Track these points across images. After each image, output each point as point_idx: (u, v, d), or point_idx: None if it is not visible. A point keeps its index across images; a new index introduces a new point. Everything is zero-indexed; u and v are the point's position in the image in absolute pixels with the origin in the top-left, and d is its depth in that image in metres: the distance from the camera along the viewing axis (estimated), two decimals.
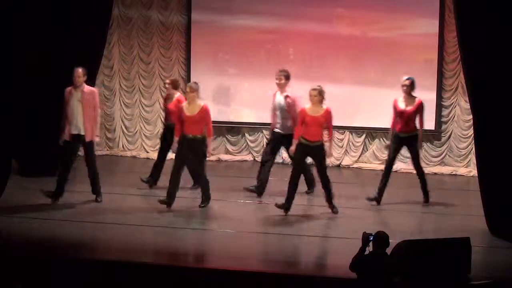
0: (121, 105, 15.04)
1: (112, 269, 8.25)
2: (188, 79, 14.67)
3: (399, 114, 11.07)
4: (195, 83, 10.92)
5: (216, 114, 14.60)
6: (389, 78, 13.52)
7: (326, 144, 10.62)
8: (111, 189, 11.86)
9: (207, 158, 11.04)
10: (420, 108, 11.06)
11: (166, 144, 11.66)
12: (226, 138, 14.81)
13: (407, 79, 11.12)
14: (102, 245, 9.27)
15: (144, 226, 10.00)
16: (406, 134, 11.06)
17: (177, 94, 11.77)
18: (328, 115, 10.43)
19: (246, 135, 14.48)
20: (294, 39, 14.24)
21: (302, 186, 10.95)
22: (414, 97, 11.09)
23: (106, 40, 13.41)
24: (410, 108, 11.02)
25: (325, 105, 10.46)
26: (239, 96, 13.62)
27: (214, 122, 14.57)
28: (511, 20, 9.19)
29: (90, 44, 12.51)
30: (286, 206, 10.46)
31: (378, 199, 11.16)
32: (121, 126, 15.01)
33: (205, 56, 14.60)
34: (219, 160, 14.66)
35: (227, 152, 14.78)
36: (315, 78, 13.92)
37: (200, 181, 11.01)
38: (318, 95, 10.36)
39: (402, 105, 11.06)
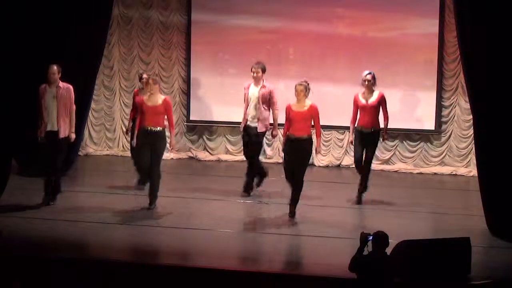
0: (121, 105, 15.03)
1: (112, 269, 8.25)
2: (188, 79, 14.68)
3: (361, 109, 11.04)
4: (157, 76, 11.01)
5: (216, 114, 14.67)
6: (389, 78, 13.50)
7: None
8: (112, 189, 11.88)
9: (170, 152, 10.95)
10: (382, 100, 11.03)
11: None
12: (226, 138, 14.81)
13: (369, 73, 11.08)
14: (102, 245, 9.27)
15: (145, 226, 10.00)
16: (368, 130, 11.04)
17: None
18: (313, 110, 10.31)
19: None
20: (294, 39, 14.23)
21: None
22: (374, 91, 11.06)
23: (106, 40, 13.41)
24: (372, 101, 11.00)
25: (311, 101, 10.37)
26: (239, 96, 13.56)
27: (214, 122, 14.78)
28: (511, 20, 9.19)
29: (90, 44, 12.51)
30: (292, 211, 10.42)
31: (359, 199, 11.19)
32: (121, 126, 14.99)
33: (205, 56, 14.59)
34: (219, 160, 14.66)
35: (227, 152, 14.77)
36: (315, 78, 13.88)
37: (152, 176, 10.66)
38: (304, 90, 10.30)
39: (363, 99, 11.04)
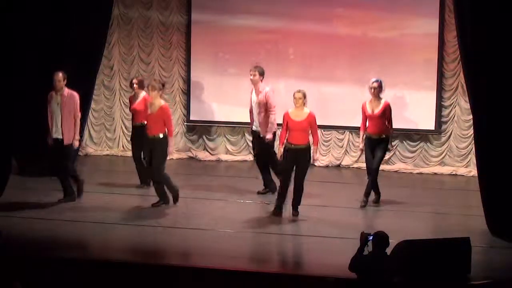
0: (121, 105, 15.03)
1: (112, 269, 8.25)
2: (188, 79, 14.68)
3: (368, 118, 11.10)
4: (159, 80, 11.01)
5: (216, 114, 14.67)
6: (389, 78, 13.46)
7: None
8: (111, 189, 11.89)
9: (168, 157, 11.00)
10: (387, 110, 11.04)
11: (136, 144, 11.82)
12: (226, 138, 14.80)
13: (376, 81, 11.09)
14: (102, 245, 9.28)
15: (145, 226, 10.00)
16: (376, 136, 11.08)
17: (143, 94, 11.78)
18: (311, 119, 10.32)
19: (246, 135, 14.46)
20: (294, 39, 14.22)
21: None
22: (381, 99, 11.08)
23: (106, 40, 13.41)
24: (377, 111, 11.03)
25: (309, 109, 10.38)
26: (239, 96, 13.57)
27: (214, 122, 14.78)
28: (511, 20, 9.19)
29: (90, 44, 12.50)
30: (276, 204, 10.44)
31: (365, 201, 11.13)
32: (121, 126, 15.00)
33: (205, 56, 14.59)
34: (219, 160, 14.66)
35: (227, 152, 14.77)
36: (315, 78, 13.96)
37: (155, 184, 10.87)
38: (303, 98, 10.31)
39: (369, 109, 11.07)
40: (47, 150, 10.96)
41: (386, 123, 11.07)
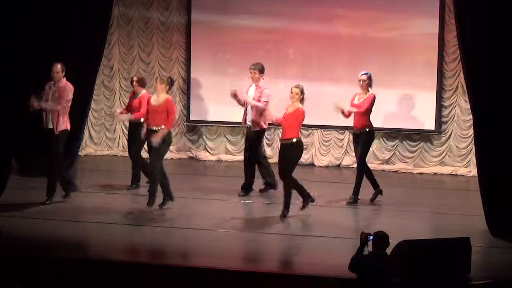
0: (121, 105, 14.99)
1: (112, 269, 8.25)
2: (188, 79, 14.69)
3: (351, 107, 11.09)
4: (169, 77, 10.98)
5: (216, 114, 14.67)
6: (389, 78, 13.51)
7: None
8: (111, 189, 11.89)
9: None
10: (366, 99, 10.92)
11: (132, 142, 11.81)
12: (226, 138, 14.81)
13: (364, 74, 11.06)
14: (102, 245, 9.27)
15: (144, 226, 10.00)
16: (357, 131, 11.09)
17: (143, 92, 11.78)
18: (298, 112, 10.21)
19: None
20: (294, 39, 14.23)
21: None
22: (368, 92, 11.05)
23: (106, 40, 13.41)
24: (358, 103, 11.00)
25: (302, 106, 10.28)
26: (239, 96, 13.58)
27: (214, 122, 14.78)
28: (511, 20, 9.19)
29: (90, 44, 12.50)
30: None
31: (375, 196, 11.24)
32: (121, 126, 15.00)
33: (205, 56, 14.60)
34: (219, 160, 14.66)
35: (227, 152, 14.77)
36: (315, 78, 13.96)
37: (151, 177, 10.92)
38: (300, 93, 10.27)
39: (356, 100, 11.06)
40: (47, 149, 10.93)
41: (366, 117, 10.99)
